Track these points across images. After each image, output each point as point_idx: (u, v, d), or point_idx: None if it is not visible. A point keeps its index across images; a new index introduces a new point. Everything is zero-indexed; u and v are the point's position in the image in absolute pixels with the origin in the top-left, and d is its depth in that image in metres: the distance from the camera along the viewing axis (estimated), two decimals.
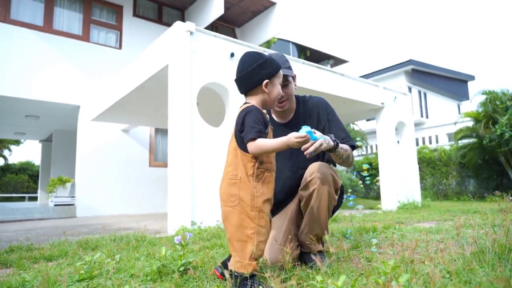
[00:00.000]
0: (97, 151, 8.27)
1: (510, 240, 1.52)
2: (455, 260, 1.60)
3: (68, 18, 8.38)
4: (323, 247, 1.96)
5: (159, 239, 3.20)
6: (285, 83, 1.94)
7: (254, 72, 1.55)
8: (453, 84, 21.19)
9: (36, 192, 18.21)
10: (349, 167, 2.04)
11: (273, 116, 2.11)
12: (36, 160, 25.28)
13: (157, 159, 9.40)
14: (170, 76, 4.56)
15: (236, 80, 1.62)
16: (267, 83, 1.58)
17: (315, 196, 1.83)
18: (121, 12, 9.12)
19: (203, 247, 2.55)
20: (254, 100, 1.59)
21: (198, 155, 4.22)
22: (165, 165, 9.02)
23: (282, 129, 1.99)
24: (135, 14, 9.38)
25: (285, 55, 2.15)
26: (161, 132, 9.58)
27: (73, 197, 8.04)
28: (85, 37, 8.45)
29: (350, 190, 2.60)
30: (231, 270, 1.42)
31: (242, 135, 1.50)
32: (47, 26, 7.95)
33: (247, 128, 1.48)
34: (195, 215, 4.03)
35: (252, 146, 1.46)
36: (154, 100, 6.26)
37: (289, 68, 2.00)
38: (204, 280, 1.60)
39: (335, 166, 2.13)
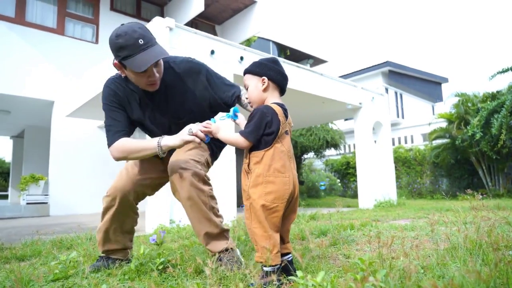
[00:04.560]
0: (72, 148, 8.05)
1: (480, 237, 1.59)
2: (429, 256, 1.66)
3: (42, 10, 8.11)
4: (227, 243, 1.77)
5: (137, 238, 3.15)
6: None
7: None
8: (428, 85, 21.82)
9: (6, 190, 17.51)
10: None
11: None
12: (7, 157, 24.34)
13: None
14: None
15: None
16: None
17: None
18: (98, 6, 8.90)
19: (182, 246, 2.53)
20: None
21: None
22: None
23: (151, 97, 1.82)
24: (113, 8, 9.17)
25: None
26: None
27: (47, 195, 7.79)
28: (59, 30, 8.19)
29: (323, 182, 2.66)
30: None
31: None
32: (19, 18, 7.66)
33: None
34: (173, 214, 3.99)
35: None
36: None
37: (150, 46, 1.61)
38: (184, 278, 1.58)
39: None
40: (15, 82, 7.34)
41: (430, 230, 1.93)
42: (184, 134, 1.62)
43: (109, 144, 1.76)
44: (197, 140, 1.59)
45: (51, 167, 7.86)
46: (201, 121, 1.91)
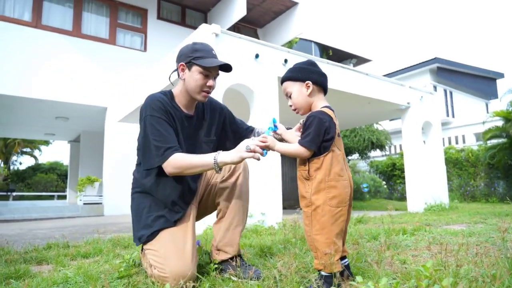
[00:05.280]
0: (124, 151, 8.46)
1: None
2: (494, 264, 1.57)
3: (96, 22, 8.63)
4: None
5: None
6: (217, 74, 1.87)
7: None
8: (480, 82, 20.52)
9: (64, 191, 18.82)
10: None
11: (181, 106, 1.88)
12: (65, 160, 26.14)
13: None
14: None
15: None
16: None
17: (241, 181, 1.90)
18: (146, 15, 9.31)
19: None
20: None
21: None
22: None
23: (189, 121, 1.89)
24: (159, 17, 9.55)
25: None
26: None
27: (101, 196, 8.27)
28: (111, 40, 8.67)
29: (366, 185, 2.64)
30: None
31: None
32: (76, 31, 8.21)
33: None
34: None
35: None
36: None
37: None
38: (243, 280, 1.62)
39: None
40: (73, 91, 7.87)
41: (496, 236, 1.82)
42: (242, 150, 1.55)
43: (161, 161, 1.68)
44: (256, 156, 1.53)
45: (104, 169, 8.33)
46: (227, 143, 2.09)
